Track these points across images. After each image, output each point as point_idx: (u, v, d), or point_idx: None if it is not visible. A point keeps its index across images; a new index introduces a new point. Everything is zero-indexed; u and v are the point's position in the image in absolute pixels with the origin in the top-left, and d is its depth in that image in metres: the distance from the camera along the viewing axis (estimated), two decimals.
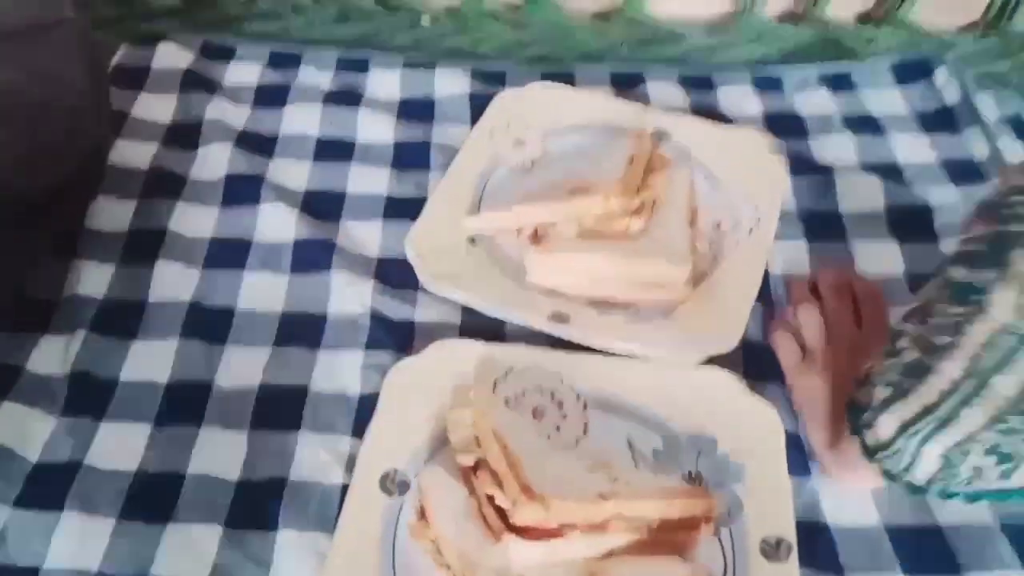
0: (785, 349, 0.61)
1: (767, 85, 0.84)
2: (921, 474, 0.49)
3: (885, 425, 0.49)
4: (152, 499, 0.56)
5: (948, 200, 0.73)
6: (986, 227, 0.45)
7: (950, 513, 0.56)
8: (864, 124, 0.80)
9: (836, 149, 0.78)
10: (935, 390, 0.46)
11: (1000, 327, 0.42)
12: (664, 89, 0.83)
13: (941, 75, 0.83)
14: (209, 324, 0.65)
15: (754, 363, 0.63)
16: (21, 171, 0.59)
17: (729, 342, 0.62)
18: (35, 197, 0.61)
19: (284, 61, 0.85)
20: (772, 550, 0.53)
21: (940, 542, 0.55)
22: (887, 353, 0.50)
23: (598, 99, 0.80)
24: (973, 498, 0.50)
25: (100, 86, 0.71)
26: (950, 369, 0.45)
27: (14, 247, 0.61)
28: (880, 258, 0.69)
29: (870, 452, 0.51)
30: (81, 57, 0.66)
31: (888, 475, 0.51)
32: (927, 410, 0.46)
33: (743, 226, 0.70)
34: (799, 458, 0.58)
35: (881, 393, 0.49)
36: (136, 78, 0.82)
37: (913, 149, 0.78)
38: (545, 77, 0.83)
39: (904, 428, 0.48)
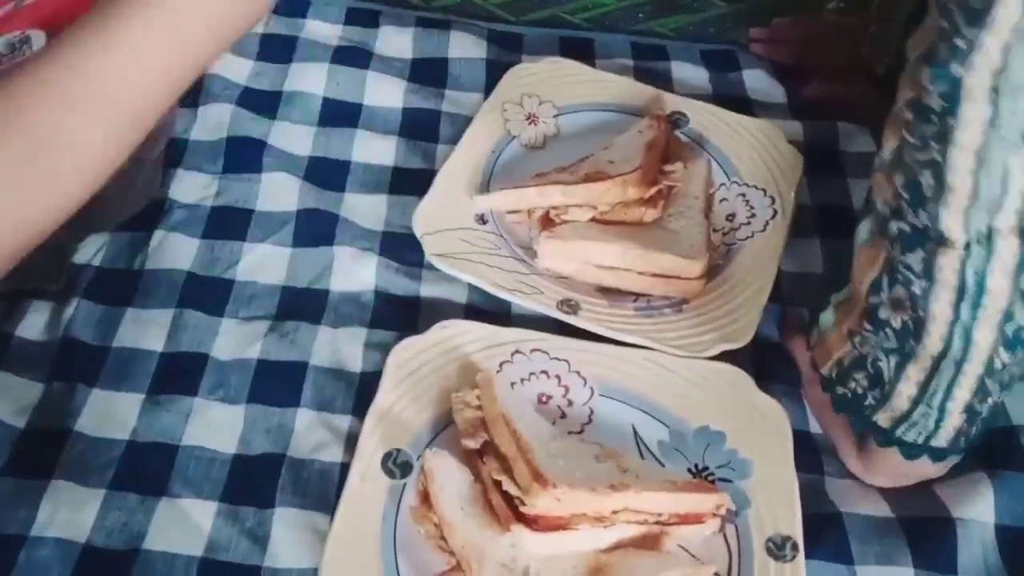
0: (803, 356, 0.61)
1: (788, 72, 0.82)
2: (945, 434, 0.50)
3: (901, 394, 0.50)
4: (144, 470, 0.55)
5: None
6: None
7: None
8: None
9: (856, 139, 0.76)
10: (937, 336, 0.47)
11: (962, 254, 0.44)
12: (686, 69, 0.81)
13: None
14: (207, 295, 0.63)
15: (764, 361, 0.62)
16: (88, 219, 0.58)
17: (741, 339, 0.61)
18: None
19: (290, 9, 0.82)
20: (778, 549, 0.52)
21: (951, 533, 0.54)
22: (867, 331, 0.51)
23: (615, 79, 0.78)
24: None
25: None
26: (941, 309, 0.46)
27: None
28: None
29: (888, 433, 0.51)
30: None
31: (911, 449, 0.51)
32: (939, 359, 0.48)
33: (759, 219, 0.68)
34: (808, 455, 0.57)
35: (885, 366, 0.50)
36: None
37: None
38: (563, 43, 0.81)
39: (924, 388, 0.49)
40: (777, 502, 0.54)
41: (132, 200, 0.66)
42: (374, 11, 0.83)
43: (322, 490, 0.54)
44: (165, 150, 0.70)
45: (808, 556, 0.52)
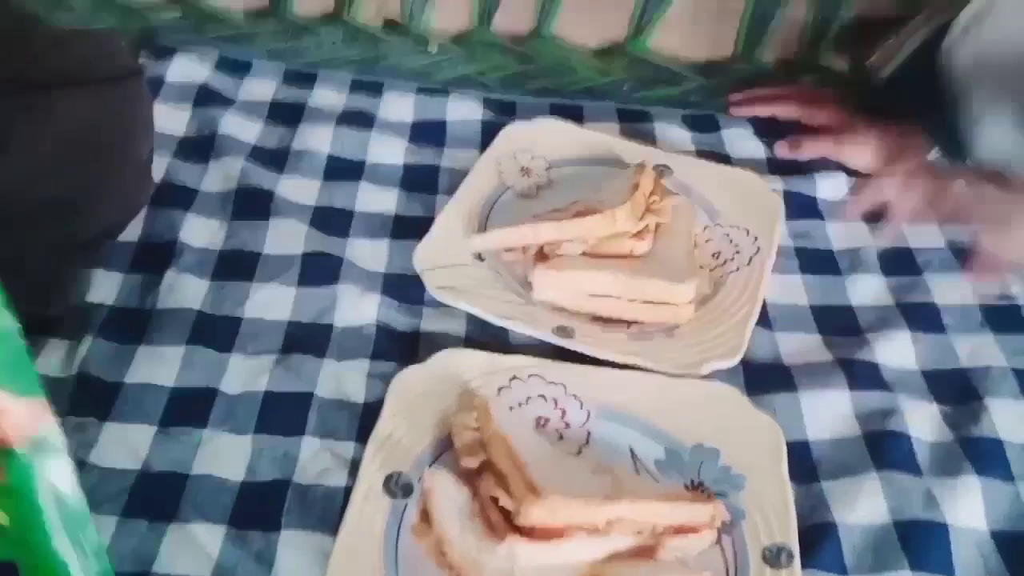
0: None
1: (768, 130, 0.87)
2: None
3: None
4: (155, 498, 0.56)
5: (931, 241, 0.76)
6: None
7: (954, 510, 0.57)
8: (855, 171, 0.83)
9: (831, 190, 0.80)
10: None
11: None
12: (670, 130, 0.86)
13: None
14: (216, 332, 0.65)
15: (754, 381, 0.64)
16: (80, 209, 0.61)
17: (732, 357, 0.63)
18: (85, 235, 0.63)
19: (299, 79, 0.88)
20: (774, 558, 0.53)
21: (945, 538, 0.55)
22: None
23: (603, 136, 0.83)
24: None
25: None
26: None
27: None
28: (871, 291, 0.72)
29: None
30: (150, 110, 0.69)
31: None
32: None
33: (743, 255, 0.72)
34: (803, 466, 0.59)
35: None
36: (151, 89, 0.82)
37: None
38: (554, 110, 0.86)
39: None
40: (772, 513, 0.55)
41: (125, 203, 0.69)
42: (378, 83, 0.89)
43: (326, 513, 0.55)
44: (174, 194, 0.74)
45: (803, 567, 0.53)
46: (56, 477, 0.39)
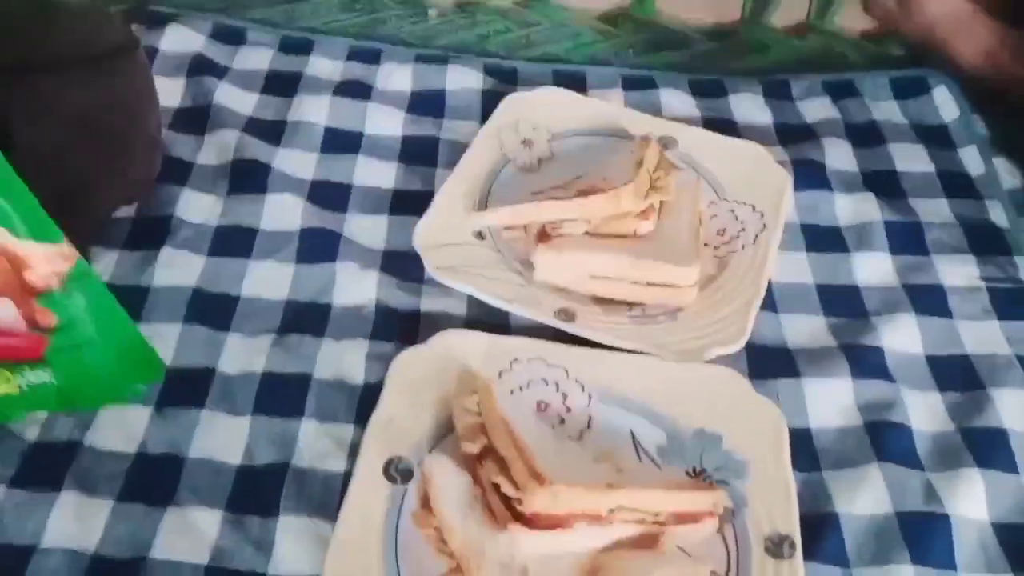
0: None
1: (776, 94, 0.85)
2: None
3: None
4: (152, 481, 0.56)
5: (940, 215, 0.74)
6: None
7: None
8: (864, 135, 0.82)
9: (838, 159, 0.79)
10: None
11: None
12: (675, 96, 0.84)
13: (940, 93, 0.84)
14: (213, 310, 0.64)
15: (759, 364, 0.63)
16: (92, 193, 0.60)
17: (735, 343, 0.62)
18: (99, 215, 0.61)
19: (295, 48, 0.86)
20: (776, 547, 0.53)
21: (947, 529, 0.55)
22: None
23: (606, 106, 0.81)
24: None
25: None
26: None
27: None
28: (876, 270, 0.71)
29: None
30: (152, 81, 0.68)
31: None
32: None
33: (748, 233, 0.70)
34: (805, 455, 0.58)
35: None
36: None
37: (910, 162, 0.79)
38: (557, 77, 0.84)
39: None
40: (774, 501, 0.55)
41: (137, 179, 0.68)
42: (375, 49, 0.87)
43: (325, 498, 0.55)
44: (170, 168, 0.72)
45: (805, 558, 0.53)
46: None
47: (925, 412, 0.61)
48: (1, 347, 0.49)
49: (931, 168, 0.79)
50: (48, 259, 0.45)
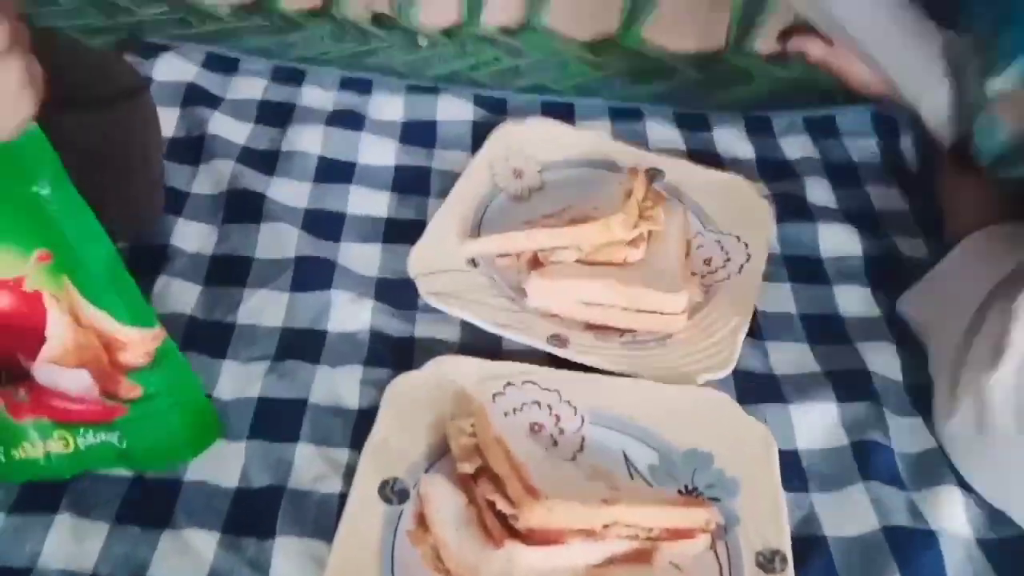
0: (810, 44, 0.65)
1: (758, 130, 0.88)
2: None
3: None
4: (148, 504, 0.56)
5: (917, 251, 0.77)
6: None
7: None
8: (843, 172, 0.84)
9: (818, 195, 0.81)
10: None
11: None
12: (661, 127, 0.87)
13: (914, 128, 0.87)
14: (208, 338, 0.65)
15: (746, 391, 0.64)
16: None
17: (724, 368, 0.64)
18: None
19: (287, 77, 0.87)
20: (768, 562, 0.54)
21: (934, 545, 0.56)
22: None
23: (595, 137, 0.83)
24: None
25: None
26: None
27: None
28: (858, 302, 0.72)
29: None
30: (157, 125, 0.69)
31: None
32: None
33: (734, 263, 0.72)
34: (794, 476, 0.60)
35: None
36: None
37: (887, 199, 0.82)
38: (545, 108, 0.86)
39: None
40: (765, 517, 0.56)
41: (138, 221, 0.69)
42: (367, 80, 0.88)
43: (321, 519, 0.56)
44: (165, 198, 0.73)
45: None
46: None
47: (906, 433, 0.63)
48: (70, 411, 0.51)
49: (905, 206, 0.81)
50: (143, 341, 0.49)
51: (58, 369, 0.50)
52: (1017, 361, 0.55)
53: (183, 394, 0.51)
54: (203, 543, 0.54)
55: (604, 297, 0.66)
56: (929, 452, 0.62)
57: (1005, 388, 0.56)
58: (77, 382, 0.50)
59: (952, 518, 0.57)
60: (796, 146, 0.87)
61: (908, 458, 0.61)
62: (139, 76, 0.72)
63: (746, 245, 0.74)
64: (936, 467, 0.61)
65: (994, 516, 0.58)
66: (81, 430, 0.52)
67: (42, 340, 0.48)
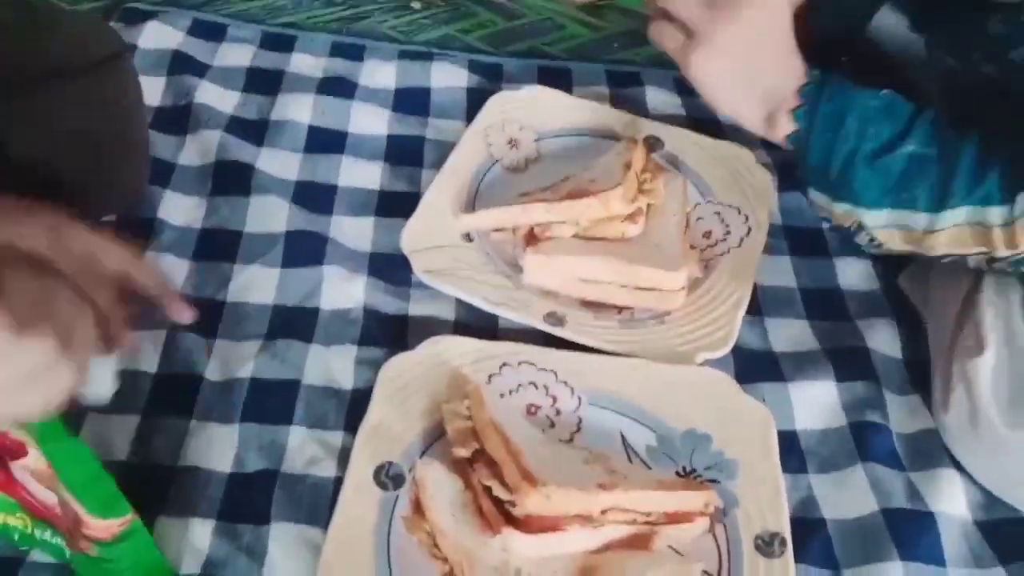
0: (667, 35, 0.61)
1: None
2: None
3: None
4: (142, 492, 0.54)
5: None
6: None
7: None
8: None
9: None
10: None
11: None
12: (660, 93, 0.85)
13: None
14: (199, 316, 0.64)
15: (746, 367, 0.64)
16: (84, 203, 0.59)
17: (722, 347, 0.63)
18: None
19: (277, 43, 0.85)
20: (767, 545, 0.54)
21: (932, 526, 0.56)
22: None
23: (592, 105, 0.81)
24: None
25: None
26: None
27: None
28: (859, 274, 0.71)
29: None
30: (138, 90, 0.67)
31: None
32: None
33: (734, 235, 0.71)
34: (793, 457, 0.59)
35: None
36: None
37: None
38: (541, 73, 0.84)
39: None
40: (764, 500, 0.55)
41: (126, 189, 0.68)
42: (358, 45, 0.86)
43: (316, 505, 0.55)
44: (151, 169, 0.71)
45: (795, 561, 0.53)
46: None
47: (905, 412, 0.62)
48: (35, 508, 0.50)
49: None
50: (107, 527, 0.47)
51: (32, 480, 0.49)
52: (994, 351, 0.55)
53: (140, 559, 0.49)
54: (198, 531, 0.54)
55: (602, 274, 0.65)
56: (927, 432, 0.61)
57: (987, 382, 0.56)
58: (48, 497, 0.49)
59: (951, 500, 0.57)
60: None
61: (906, 438, 0.61)
62: (120, 42, 0.69)
63: (746, 217, 0.72)
64: (934, 447, 0.60)
65: (992, 498, 0.58)
66: (43, 525, 0.51)
67: (24, 453, 0.48)
